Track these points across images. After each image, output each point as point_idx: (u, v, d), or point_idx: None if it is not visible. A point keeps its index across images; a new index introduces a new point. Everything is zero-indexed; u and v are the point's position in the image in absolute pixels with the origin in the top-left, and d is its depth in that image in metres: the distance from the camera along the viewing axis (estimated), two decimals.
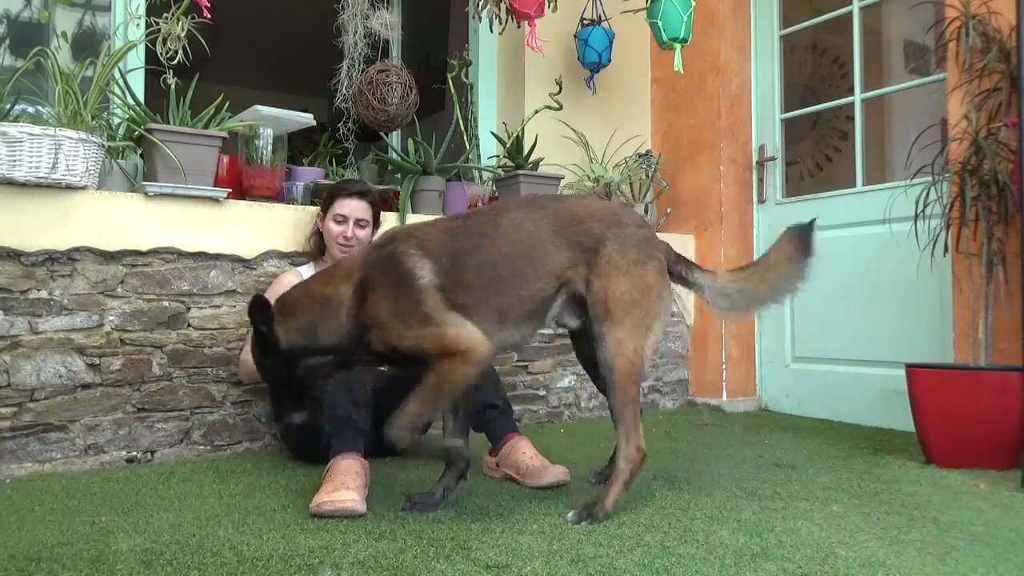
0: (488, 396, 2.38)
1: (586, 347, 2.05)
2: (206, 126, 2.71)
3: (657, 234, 2.14)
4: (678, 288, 2.08)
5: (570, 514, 1.84)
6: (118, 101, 2.75)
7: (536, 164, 3.56)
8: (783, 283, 2.01)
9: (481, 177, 3.76)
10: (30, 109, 2.61)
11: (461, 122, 3.69)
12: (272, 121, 3.07)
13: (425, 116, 3.76)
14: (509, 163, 3.59)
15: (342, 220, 2.66)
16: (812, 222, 2.00)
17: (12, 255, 2.40)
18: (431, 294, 1.84)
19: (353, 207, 2.67)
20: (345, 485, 1.92)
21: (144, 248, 2.60)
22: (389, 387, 2.31)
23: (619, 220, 1.98)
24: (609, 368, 1.87)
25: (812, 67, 4.71)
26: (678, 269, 2.05)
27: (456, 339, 1.82)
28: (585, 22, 3.89)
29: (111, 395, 2.52)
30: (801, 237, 2.00)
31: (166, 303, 2.63)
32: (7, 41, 3.22)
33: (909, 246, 2.82)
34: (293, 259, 2.85)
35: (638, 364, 1.88)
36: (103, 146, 2.57)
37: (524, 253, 1.91)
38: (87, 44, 3.26)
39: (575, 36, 3.87)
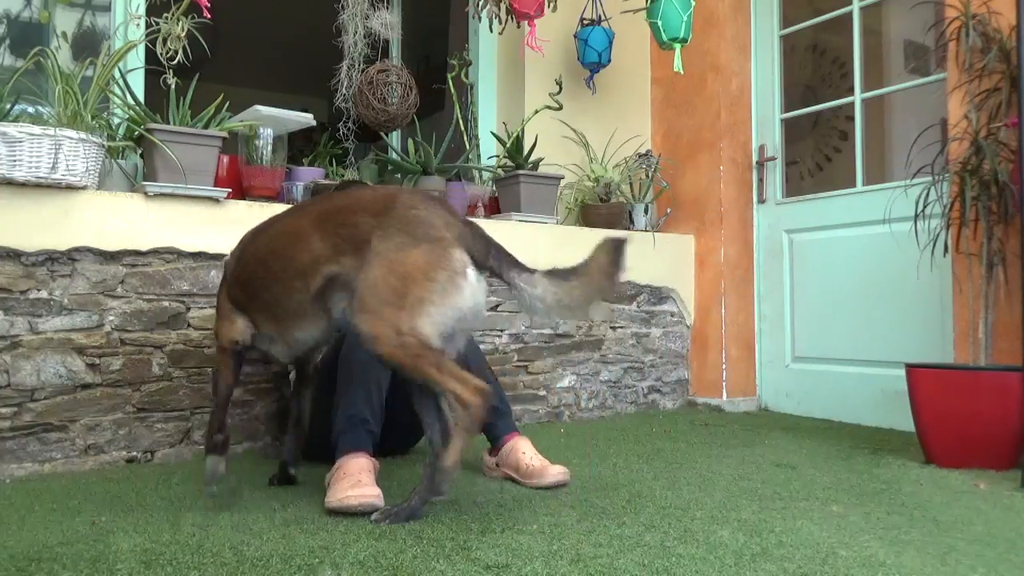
0: None
1: None
2: (206, 126, 2.71)
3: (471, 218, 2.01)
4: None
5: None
6: (118, 101, 2.75)
7: (536, 164, 3.56)
8: (592, 297, 1.80)
9: (481, 177, 3.76)
10: (30, 109, 2.62)
11: (461, 122, 3.69)
12: (272, 121, 3.07)
13: (425, 116, 3.76)
14: (509, 163, 3.59)
15: None
16: (623, 239, 1.81)
17: (12, 255, 2.40)
18: (225, 288, 2.10)
19: None
20: (363, 482, 1.93)
21: (144, 248, 2.60)
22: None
23: (389, 206, 1.81)
24: (381, 359, 1.75)
25: (812, 67, 4.71)
26: (490, 263, 1.80)
27: (218, 330, 2.09)
28: (585, 22, 3.89)
29: (111, 395, 2.52)
30: (616, 248, 1.79)
31: (166, 303, 2.63)
32: (7, 41, 3.22)
33: (909, 246, 2.82)
34: None
35: (410, 341, 1.70)
36: (103, 146, 2.57)
37: (279, 249, 1.95)
38: (87, 44, 3.26)
39: (575, 36, 3.87)
